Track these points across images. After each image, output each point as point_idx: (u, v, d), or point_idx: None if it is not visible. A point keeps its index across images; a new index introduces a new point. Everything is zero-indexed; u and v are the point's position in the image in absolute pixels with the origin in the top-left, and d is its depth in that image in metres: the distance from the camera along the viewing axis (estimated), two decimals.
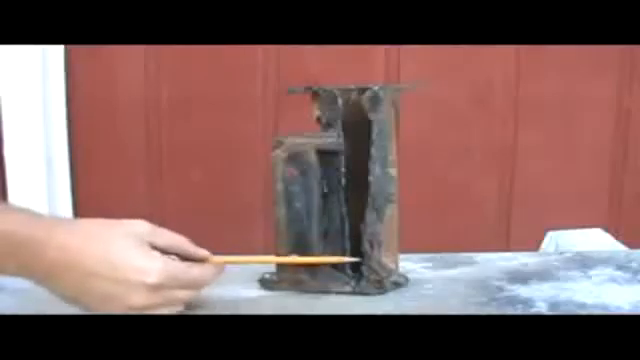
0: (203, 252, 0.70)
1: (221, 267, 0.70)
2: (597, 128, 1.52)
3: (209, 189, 1.49)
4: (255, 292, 0.76)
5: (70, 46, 1.46)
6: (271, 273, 0.77)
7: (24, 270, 0.64)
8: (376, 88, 0.74)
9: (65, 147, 1.46)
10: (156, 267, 0.64)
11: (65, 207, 1.53)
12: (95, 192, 1.49)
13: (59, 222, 0.66)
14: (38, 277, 0.64)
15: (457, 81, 1.50)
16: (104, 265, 0.63)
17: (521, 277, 0.79)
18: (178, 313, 0.68)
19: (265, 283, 0.77)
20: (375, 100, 0.74)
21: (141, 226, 0.66)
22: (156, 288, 0.64)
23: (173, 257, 0.68)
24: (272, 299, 0.75)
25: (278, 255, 0.76)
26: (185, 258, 0.68)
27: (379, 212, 0.75)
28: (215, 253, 0.71)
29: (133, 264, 0.64)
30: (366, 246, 0.75)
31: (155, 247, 0.66)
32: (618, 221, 1.52)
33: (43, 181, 1.44)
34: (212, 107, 1.48)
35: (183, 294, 0.67)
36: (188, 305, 0.69)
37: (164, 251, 0.67)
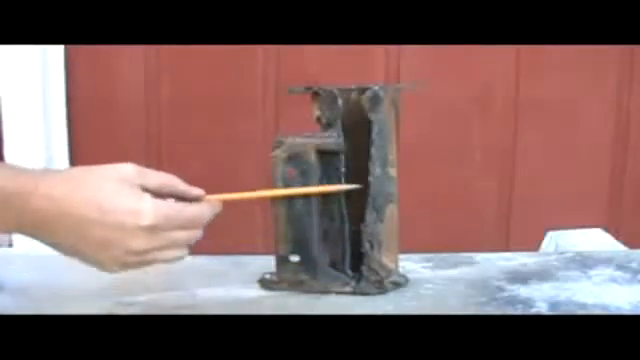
0: (197, 191, 0.68)
1: (217, 205, 0.69)
2: (597, 128, 1.52)
3: (209, 189, 1.49)
4: (255, 292, 0.76)
5: (70, 46, 1.46)
6: (271, 273, 0.77)
7: (16, 224, 0.62)
8: (376, 88, 0.74)
9: (65, 147, 1.46)
10: (148, 208, 0.63)
11: None
12: None
13: (46, 172, 0.64)
14: (31, 230, 0.63)
15: (457, 81, 1.50)
16: (94, 211, 0.62)
17: (521, 277, 0.79)
18: (183, 257, 0.66)
19: (265, 283, 0.77)
20: (375, 100, 0.74)
21: (128, 168, 0.64)
22: (152, 230, 0.63)
23: (169, 200, 0.66)
24: (272, 299, 0.75)
25: (278, 255, 0.76)
26: (180, 198, 0.67)
27: (379, 212, 0.75)
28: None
29: (124, 207, 0.62)
30: (366, 246, 0.75)
31: (146, 189, 0.64)
32: (618, 221, 1.52)
33: None
34: (212, 107, 1.48)
35: (182, 235, 0.65)
36: (191, 247, 0.67)
37: (156, 192, 0.65)
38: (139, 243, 0.63)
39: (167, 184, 0.66)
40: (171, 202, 0.66)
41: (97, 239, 0.62)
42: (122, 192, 0.63)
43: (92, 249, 0.63)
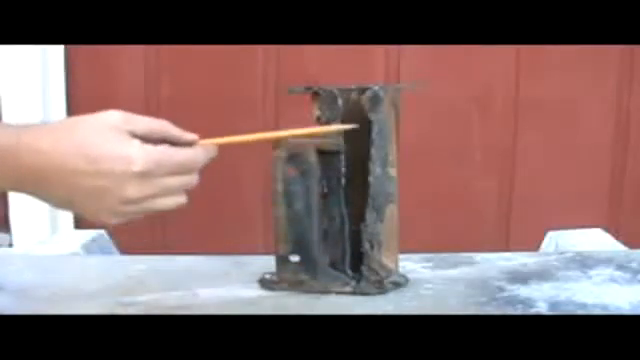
0: (190, 135, 0.66)
1: (212, 149, 0.67)
2: (597, 128, 1.52)
3: (209, 189, 1.49)
4: (255, 292, 0.76)
5: (70, 46, 1.46)
6: (271, 273, 0.77)
7: (7, 181, 0.61)
8: (376, 88, 0.74)
9: None
10: (138, 154, 0.61)
11: None
12: None
13: (26, 126, 0.62)
14: (21, 186, 0.61)
15: (457, 81, 1.50)
16: (83, 160, 0.60)
17: (521, 277, 0.79)
18: (182, 204, 0.65)
19: (265, 283, 0.77)
20: (375, 100, 0.74)
21: (115, 115, 0.62)
22: (144, 176, 0.61)
23: (162, 145, 0.63)
24: (272, 299, 0.75)
25: (278, 255, 0.76)
26: (173, 144, 0.64)
27: (379, 212, 0.75)
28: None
29: (114, 154, 0.60)
30: (366, 246, 0.75)
31: (135, 135, 0.62)
32: (618, 221, 1.52)
33: None
34: (212, 107, 1.48)
35: (177, 180, 0.64)
36: (188, 192, 0.65)
37: (146, 138, 0.62)
38: (132, 191, 0.61)
39: (157, 129, 0.64)
40: (163, 147, 0.63)
41: (89, 189, 0.60)
42: (110, 139, 0.61)
43: (85, 200, 0.61)
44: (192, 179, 0.65)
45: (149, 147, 0.62)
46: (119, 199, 0.61)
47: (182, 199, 0.65)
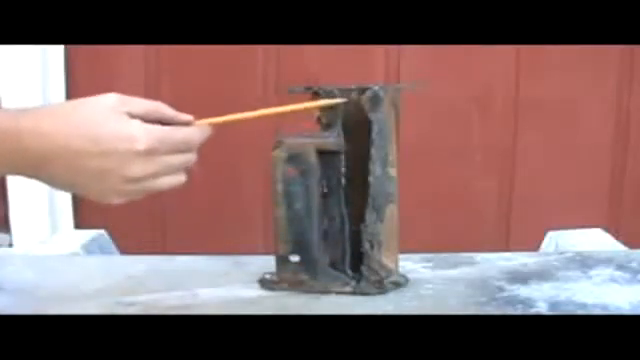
0: (185, 116, 0.67)
1: (207, 128, 0.68)
2: (597, 128, 1.52)
3: (209, 189, 1.49)
4: (255, 292, 0.76)
5: (70, 46, 1.46)
6: (271, 273, 0.77)
7: (8, 166, 0.61)
8: (376, 88, 0.74)
9: None
10: (141, 132, 0.61)
11: (65, 207, 1.53)
12: None
13: (26, 110, 0.62)
14: (25, 170, 0.62)
15: (457, 81, 1.50)
16: (85, 141, 0.60)
17: (521, 277, 0.79)
18: (181, 183, 0.65)
19: (265, 283, 0.77)
20: (375, 100, 0.74)
21: (112, 98, 0.62)
22: (148, 154, 0.62)
23: (157, 124, 0.64)
24: (272, 299, 0.75)
25: (278, 255, 0.76)
26: (167, 124, 0.65)
27: (379, 212, 0.75)
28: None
29: (116, 134, 0.61)
30: (366, 246, 0.75)
31: (133, 116, 0.62)
32: (618, 221, 1.52)
33: None
34: (212, 107, 1.48)
35: (177, 158, 0.64)
36: (187, 171, 0.66)
37: (143, 119, 0.63)
38: (136, 169, 0.61)
39: (153, 110, 0.64)
40: (161, 126, 0.64)
41: (93, 170, 0.61)
42: (111, 120, 0.61)
43: (89, 180, 0.62)
44: (191, 157, 0.66)
45: (150, 126, 0.63)
46: (123, 178, 0.61)
47: (182, 177, 0.66)
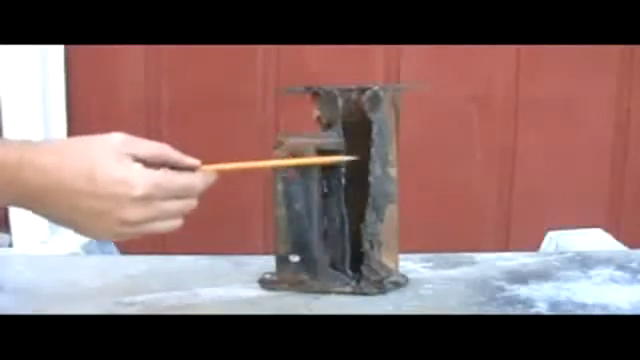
0: (191, 160, 0.67)
1: (212, 175, 0.68)
2: (597, 128, 1.52)
3: (209, 189, 1.49)
4: (255, 292, 0.76)
5: (70, 46, 1.46)
6: (271, 273, 0.77)
7: (6, 197, 0.62)
8: (376, 88, 0.74)
9: None
10: (139, 178, 0.62)
11: None
12: None
13: (28, 143, 0.63)
14: (22, 202, 0.62)
15: (457, 81, 1.50)
16: (85, 181, 0.61)
17: (521, 277, 0.79)
18: (177, 227, 0.65)
19: (265, 283, 0.77)
20: (375, 100, 0.74)
21: (118, 138, 0.63)
22: (145, 200, 0.62)
23: (162, 169, 0.64)
24: (272, 299, 0.75)
25: (278, 255, 0.76)
26: (173, 168, 0.65)
27: (379, 212, 0.75)
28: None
29: (115, 177, 0.61)
30: (366, 246, 0.75)
31: (137, 159, 0.63)
32: (618, 221, 1.52)
33: None
34: (212, 107, 1.48)
35: (176, 205, 0.64)
36: (185, 217, 0.66)
37: (148, 162, 0.63)
38: (132, 214, 0.62)
39: (159, 153, 0.65)
40: (163, 171, 0.64)
41: (89, 210, 0.61)
42: (112, 162, 0.62)
43: (85, 220, 0.62)
44: (191, 203, 0.66)
45: (149, 171, 0.63)
46: (118, 221, 0.62)
47: (179, 223, 0.66)
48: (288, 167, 0.74)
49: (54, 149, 0.62)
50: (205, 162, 0.67)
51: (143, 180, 0.62)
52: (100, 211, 0.61)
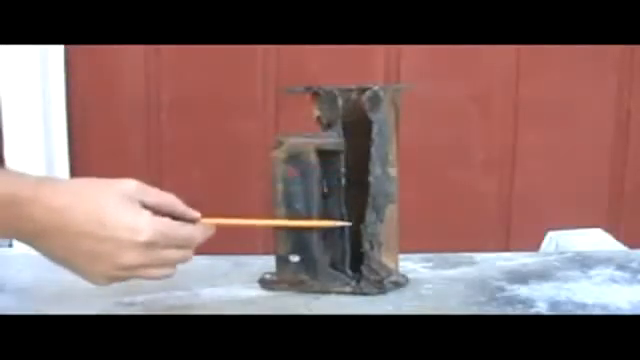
0: (194, 212, 0.69)
1: (211, 228, 0.70)
2: (597, 128, 1.52)
3: (209, 189, 1.49)
4: (255, 292, 0.76)
5: (70, 46, 1.46)
6: (271, 273, 0.77)
7: (11, 231, 0.63)
8: (376, 88, 0.74)
9: (65, 147, 1.46)
10: (147, 225, 0.63)
11: None
12: None
13: (44, 181, 0.64)
14: (26, 237, 0.63)
15: (457, 81, 1.50)
16: (93, 224, 0.62)
17: (521, 277, 0.79)
18: (170, 276, 0.67)
19: (265, 283, 0.77)
20: (375, 100, 0.74)
21: (130, 184, 0.65)
22: (147, 246, 0.63)
23: (169, 219, 0.66)
24: (272, 299, 0.75)
25: (278, 255, 0.76)
26: (176, 218, 0.67)
27: (379, 212, 0.75)
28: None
29: (123, 222, 0.63)
30: (366, 246, 0.75)
31: (145, 206, 0.65)
32: (618, 221, 1.52)
33: None
34: (212, 107, 1.48)
35: (174, 254, 0.66)
36: (181, 265, 0.67)
37: (154, 210, 0.65)
38: (131, 259, 0.63)
39: (166, 203, 0.67)
40: (168, 220, 0.66)
41: (89, 252, 0.63)
42: (122, 207, 0.63)
43: (83, 262, 0.64)
44: (188, 254, 0.68)
45: (157, 219, 0.64)
46: (115, 265, 0.63)
47: (173, 272, 0.67)
48: (286, 226, 0.75)
49: (69, 190, 0.64)
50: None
51: (150, 227, 0.63)
52: (100, 254, 0.63)
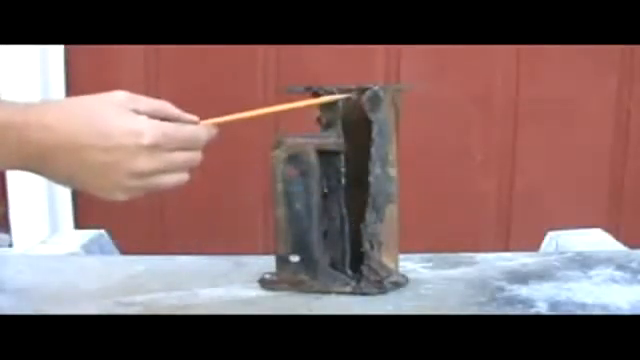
0: (190, 116, 0.68)
1: (212, 128, 0.69)
2: (597, 128, 1.52)
3: (209, 189, 1.49)
4: (255, 292, 0.76)
5: (70, 46, 1.46)
6: (271, 273, 0.77)
7: (14, 159, 0.62)
8: (376, 88, 0.74)
9: None
10: (147, 128, 0.62)
11: (65, 207, 1.53)
12: None
13: (34, 104, 0.63)
14: (30, 164, 0.62)
15: (457, 81, 1.50)
16: (93, 135, 0.61)
17: (521, 277, 0.79)
18: (183, 182, 0.66)
19: (265, 283, 0.77)
20: (375, 100, 0.74)
21: (120, 94, 0.64)
22: (153, 149, 0.62)
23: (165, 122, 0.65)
24: (272, 299, 0.75)
25: (278, 255, 0.76)
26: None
27: (379, 212, 0.75)
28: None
29: (123, 128, 0.62)
30: (366, 246, 0.75)
31: (139, 113, 0.63)
32: (618, 221, 1.52)
33: (43, 181, 1.44)
34: (212, 107, 1.48)
35: (182, 155, 0.65)
36: (191, 171, 0.66)
37: (149, 116, 0.64)
38: (141, 164, 0.62)
39: (160, 109, 0.65)
40: (168, 123, 0.65)
41: (97, 164, 0.61)
42: (118, 115, 0.62)
43: (93, 175, 0.62)
44: (196, 156, 0.67)
45: (156, 121, 0.63)
46: (128, 172, 0.62)
47: (185, 176, 0.66)
48: (290, 109, 0.74)
49: (59, 107, 0.63)
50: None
51: (151, 129, 0.62)
52: (109, 164, 0.61)
